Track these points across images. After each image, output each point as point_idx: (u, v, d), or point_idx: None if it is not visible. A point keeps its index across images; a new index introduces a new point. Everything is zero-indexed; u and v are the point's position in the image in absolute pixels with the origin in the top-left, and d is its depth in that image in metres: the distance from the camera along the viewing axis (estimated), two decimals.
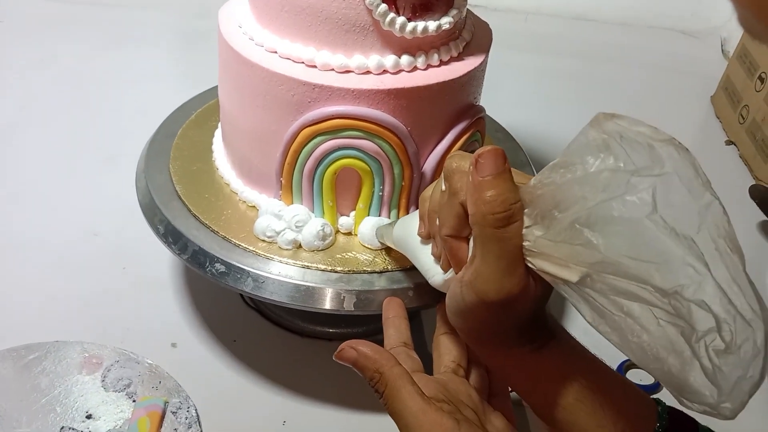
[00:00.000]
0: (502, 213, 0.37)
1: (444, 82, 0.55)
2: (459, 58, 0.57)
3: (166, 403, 0.58)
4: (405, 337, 0.51)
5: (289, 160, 0.56)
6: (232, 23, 0.59)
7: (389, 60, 0.54)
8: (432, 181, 0.58)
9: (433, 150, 0.57)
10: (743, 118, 0.99)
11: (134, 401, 0.59)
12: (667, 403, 0.44)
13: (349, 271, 0.56)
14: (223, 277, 0.55)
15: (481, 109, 0.61)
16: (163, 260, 0.73)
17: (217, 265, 0.56)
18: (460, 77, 0.55)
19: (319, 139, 0.54)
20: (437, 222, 0.45)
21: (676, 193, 0.33)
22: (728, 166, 0.98)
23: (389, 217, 0.58)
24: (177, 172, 0.64)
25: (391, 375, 0.42)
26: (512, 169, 0.39)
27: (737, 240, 0.33)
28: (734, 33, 1.19)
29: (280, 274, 0.55)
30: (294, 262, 0.56)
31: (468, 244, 0.42)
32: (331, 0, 0.52)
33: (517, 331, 0.43)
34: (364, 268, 0.56)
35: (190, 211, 0.60)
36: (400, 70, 0.54)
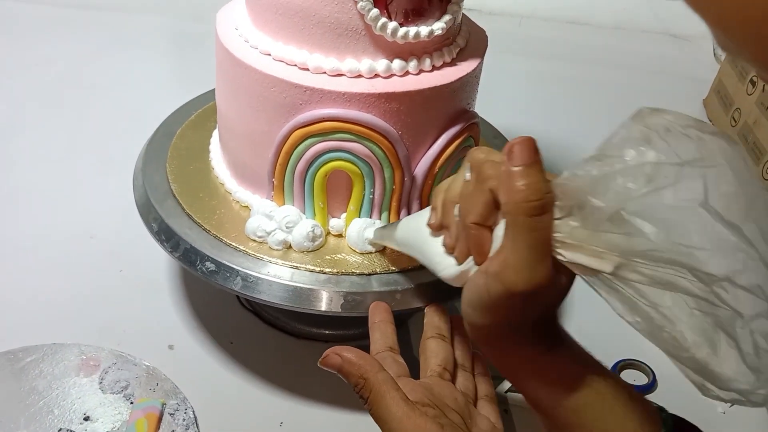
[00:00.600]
0: (535, 201, 0.37)
1: (435, 87, 0.54)
2: (452, 63, 0.57)
3: (163, 404, 0.58)
4: (391, 342, 0.51)
5: (281, 161, 0.56)
6: (228, 25, 0.58)
7: (381, 64, 0.53)
8: (423, 185, 0.58)
9: (424, 154, 0.57)
10: (735, 121, 1.00)
11: (132, 403, 0.58)
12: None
13: (337, 272, 0.56)
14: (213, 275, 0.55)
15: (475, 115, 0.61)
16: (160, 262, 0.72)
17: (208, 263, 0.56)
18: (451, 83, 0.55)
19: (310, 141, 0.54)
20: (456, 212, 0.44)
21: (726, 184, 0.33)
22: None
23: (380, 220, 0.58)
24: (173, 172, 0.64)
25: (376, 381, 0.42)
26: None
27: None
28: None
29: (269, 274, 0.55)
30: (283, 262, 0.56)
31: (492, 233, 0.42)
32: (324, 4, 0.51)
33: (533, 328, 0.43)
34: (353, 270, 0.56)
35: (183, 209, 0.60)
36: (392, 75, 0.54)
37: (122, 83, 1.02)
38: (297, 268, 0.56)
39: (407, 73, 0.54)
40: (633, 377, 0.66)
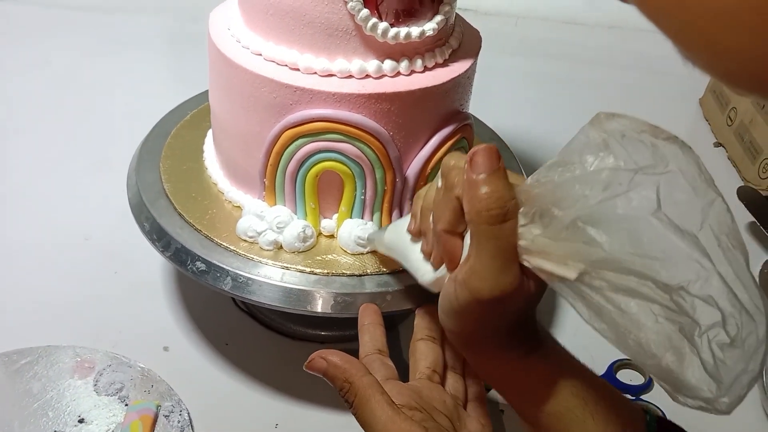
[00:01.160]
0: (496, 210, 0.37)
1: (427, 88, 0.54)
2: (444, 64, 0.56)
3: (158, 406, 0.57)
4: (380, 344, 0.50)
5: (272, 161, 0.55)
6: (221, 25, 0.58)
7: (372, 65, 0.53)
8: (415, 186, 0.57)
9: (416, 155, 0.56)
10: (731, 120, 0.99)
11: (126, 405, 0.57)
12: (658, 407, 0.44)
13: (328, 273, 0.55)
14: (204, 275, 0.55)
15: (468, 116, 0.60)
16: (155, 264, 0.71)
17: (198, 263, 0.55)
18: (443, 83, 0.54)
19: (300, 141, 0.53)
20: (431, 219, 0.44)
21: (680, 191, 0.33)
22: (717, 168, 0.97)
23: (372, 221, 0.58)
24: (167, 171, 0.63)
25: (361, 384, 0.41)
26: (506, 170, 0.39)
27: (741, 236, 0.33)
28: None
29: (259, 274, 0.54)
30: (273, 262, 0.55)
31: (462, 241, 0.42)
32: (314, 4, 0.51)
33: (508, 333, 0.42)
34: (344, 271, 0.55)
35: (175, 209, 0.59)
36: (383, 75, 0.53)
37: (118, 84, 1.01)
38: (288, 268, 0.55)
39: (398, 73, 0.54)
40: (629, 377, 0.66)
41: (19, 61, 1.04)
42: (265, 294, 0.54)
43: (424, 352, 0.50)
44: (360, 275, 0.55)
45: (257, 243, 0.57)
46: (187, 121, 0.70)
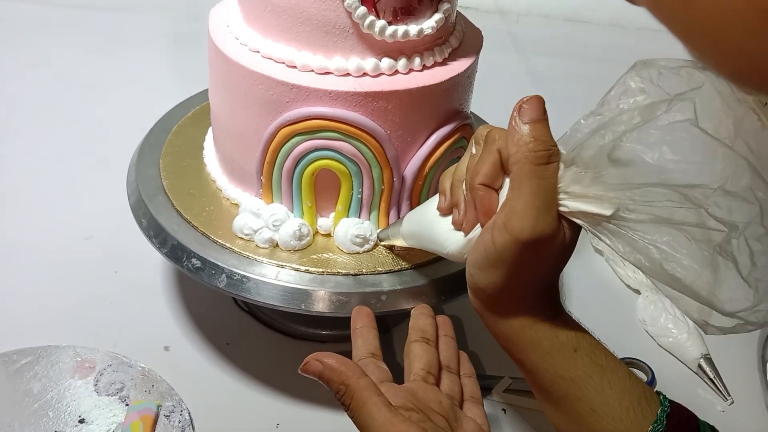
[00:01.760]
0: (542, 151, 0.40)
1: (425, 87, 0.53)
2: (443, 63, 0.55)
3: (159, 406, 0.57)
4: (373, 348, 0.50)
5: (269, 158, 0.54)
6: (221, 23, 0.57)
7: (369, 63, 0.52)
8: (413, 185, 0.57)
9: (414, 154, 0.56)
10: None
11: (127, 405, 0.57)
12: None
13: (323, 272, 0.54)
14: (199, 272, 0.54)
15: (468, 116, 0.59)
16: (155, 263, 0.71)
17: (194, 260, 0.55)
18: (442, 82, 0.54)
19: (297, 139, 0.53)
20: (463, 188, 0.45)
21: (713, 102, 0.35)
22: None
23: (369, 220, 0.57)
24: (166, 167, 0.63)
25: (357, 387, 0.41)
26: None
27: None
28: None
29: (255, 272, 0.54)
30: (269, 260, 0.55)
31: (498, 195, 0.43)
32: (312, 2, 0.50)
33: (538, 293, 0.43)
34: (339, 270, 0.55)
35: (173, 205, 0.59)
36: (381, 74, 0.53)
37: (119, 83, 1.01)
38: (283, 266, 0.55)
39: (396, 72, 0.53)
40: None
41: (19, 60, 1.04)
42: (260, 292, 0.53)
43: (418, 354, 0.50)
44: (355, 274, 0.55)
45: (253, 241, 0.56)
46: (189, 118, 0.69)
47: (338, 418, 0.60)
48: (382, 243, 0.57)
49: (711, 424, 0.43)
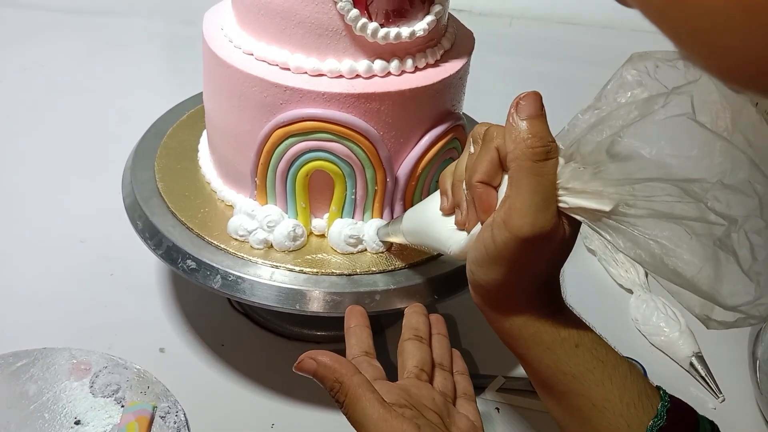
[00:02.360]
0: (540, 147, 0.39)
1: (417, 88, 0.53)
2: (435, 65, 0.56)
3: (154, 407, 0.57)
4: (366, 346, 0.50)
5: (263, 160, 0.55)
6: (215, 26, 0.58)
7: (362, 65, 0.52)
8: (406, 186, 0.57)
9: (407, 155, 0.56)
10: None
11: (123, 406, 0.57)
12: None
13: (317, 272, 0.55)
14: (194, 273, 0.54)
15: (460, 117, 0.59)
16: (150, 266, 0.71)
17: (189, 261, 0.55)
18: (434, 84, 0.54)
19: (291, 140, 0.53)
20: (464, 186, 0.45)
21: (710, 94, 0.35)
22: None
23: (362, 221, 0.57)
24: (161, 170, 0.63)
25: (351, 384, 0.41)
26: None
27: None
28: None
29: (249, 272, 0.54)
30: (263, 261, 0.55)
31: (497, 193, 0.43)
32: (304, 4, 0.50)
33: (539, 288, 0.43)
34: (333, 270, 0.55)
35: (168, 207, 0.59)
36: (373, 75, 0.53)
37: (114, 86, 1.00)
38: (277, 267, 0.55)
39: (389, 73, 0.54)
40: None
41: (14, 64, 1.03)
42: (255, 292, 0.54)
43: (411, 352, 0.50)
44: (349, 275, 0.55)
45: (248, 242, 0.56)
46: (184, 121, 0.70)
47: (333, 418, 0.60)
48: (382, 240, 0.57)
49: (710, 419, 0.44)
